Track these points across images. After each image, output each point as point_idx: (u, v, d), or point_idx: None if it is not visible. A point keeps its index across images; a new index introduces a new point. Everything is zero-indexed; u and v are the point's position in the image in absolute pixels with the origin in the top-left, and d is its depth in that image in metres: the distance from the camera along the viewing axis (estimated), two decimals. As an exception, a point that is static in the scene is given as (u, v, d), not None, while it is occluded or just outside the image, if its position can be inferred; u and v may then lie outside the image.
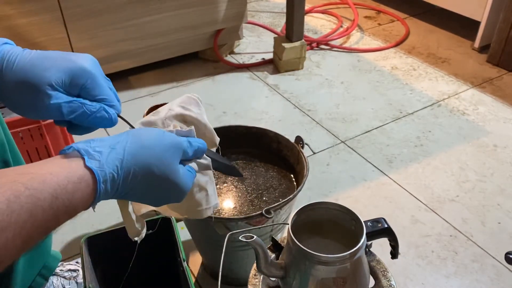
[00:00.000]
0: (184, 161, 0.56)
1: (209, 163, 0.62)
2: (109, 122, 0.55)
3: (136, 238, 0.62)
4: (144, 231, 0.64)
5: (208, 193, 0.64)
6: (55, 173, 0.44)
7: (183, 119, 0.64)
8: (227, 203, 0.95)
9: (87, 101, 0.53)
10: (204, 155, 0.60)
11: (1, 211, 0.38)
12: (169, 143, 0.52)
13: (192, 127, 0.60)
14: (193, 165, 0.58)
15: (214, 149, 0.69)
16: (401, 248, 0.81)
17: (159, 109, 0.65)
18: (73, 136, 1.37)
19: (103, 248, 0.85)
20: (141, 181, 0.49)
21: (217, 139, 0.70)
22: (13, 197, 0.40)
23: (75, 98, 0.53)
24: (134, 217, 0.61)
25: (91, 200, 0.47)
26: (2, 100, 0.53)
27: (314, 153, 1.41)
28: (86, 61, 0.54)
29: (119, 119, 0.57)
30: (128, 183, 0.48)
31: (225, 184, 0.99)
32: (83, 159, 0.46)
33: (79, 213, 0.46)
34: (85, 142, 0.48)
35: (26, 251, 0.43)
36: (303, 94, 1.69)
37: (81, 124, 0.55)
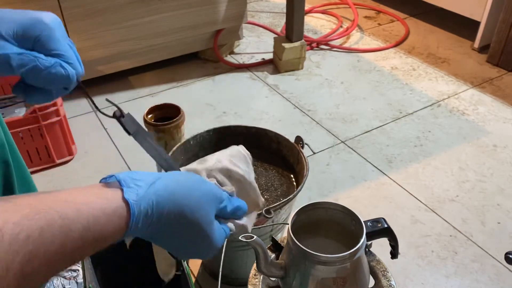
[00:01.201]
0: (220, 218, 0.53)
1: (247, 226, 0.57)
2: (66, 80, 0.50)
3: (165, 279, 0.61)
4: (173, 271, 0.62)
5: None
6: (91, 202, 0.42)
7: (229, 174, 0.61)
8: (227, 203, 0.95)
9: (41, 55, 0.48)
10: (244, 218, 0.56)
11: (33, 239, 0.36)
12: (208, 191, 0.50)
13: (233, 188, 0.57)
14: (230, 225, 0.54)
15: (256, 213, 0.63)
16: (401, 248, 0.81)
17: (207, 157, 0.62)
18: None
19: (103, 248, 0.85)
20: (173, 222, 0.47)
21: (262, 201, 0.66)
22: (47, 226, 0.37)
23: (27, 51, 0.48)
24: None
25: (121, 234, 0.44)
26: None
27: (314, 153, 1.41)
28: (45, 15, 0.49)
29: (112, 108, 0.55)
30: (161, 222, 0.46)
31: (225, 184, 0.99)
32: (122, 190, 0.44)
33: (107, 245, 0.44)
34: (128, 173, 0.46)
35: (49, 280, 0.41)
36: (303, 94, 1.69)
37: (35, 83, 0.49)
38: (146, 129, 0.89)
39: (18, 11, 0.48)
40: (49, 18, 0.49)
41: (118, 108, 0.56)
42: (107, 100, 0.55)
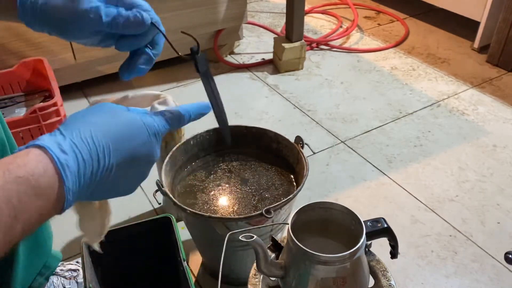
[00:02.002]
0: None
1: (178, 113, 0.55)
2: (142, 26, 0.55)
3: (94, 244, 0.59)
4: (103, 235, 0.60)
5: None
6: (4, 159, 0.42)
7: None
8: (227, 203, 0.95)
9: (123, 8, 0.55)
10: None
11: None
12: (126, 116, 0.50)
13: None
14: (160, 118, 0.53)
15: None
16: (400, 248, 0.81)
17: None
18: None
19: (103, 248, 0.85)
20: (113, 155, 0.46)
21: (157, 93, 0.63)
22: None
23: (112, 5, 0.54)
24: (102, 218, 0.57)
25: (57, 173, 0.42)
26: (41, 25, 0.55)
27: (314, 153, 1.41)
28: None
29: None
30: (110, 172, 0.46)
31: (226, 184, 0.99)
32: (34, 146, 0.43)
33: (52, 191, 0.42)
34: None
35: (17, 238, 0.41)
36: (303, 94, 1.69)
37: (119, 31, 0.55)
38: None
39: None
40: None
41: (197, 42, 0.58)
42: (182, 32, 0.60)
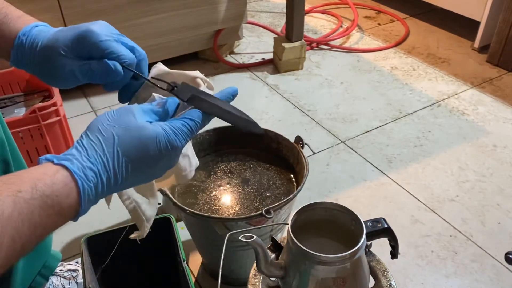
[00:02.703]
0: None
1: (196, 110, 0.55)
2: (114, 74, 0.55)
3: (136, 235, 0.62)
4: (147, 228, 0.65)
5: (190, 156, 0.63)
6: (32, 172, 0.45)
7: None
8: (227, 203, 0.95)
9: (93, 61, 0.55)
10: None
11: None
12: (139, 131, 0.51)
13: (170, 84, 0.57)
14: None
15: (201, 85, 0.62)
16: (401, 248, 0.81)
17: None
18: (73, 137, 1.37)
19: (103, 248, 0.85)
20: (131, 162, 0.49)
21: (194, 74, 0.64)
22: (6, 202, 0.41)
23: (85, 61, 0.55)
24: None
25: (76, 190, 0.46)
26: (35, 74, 0.59)
27: (314, 153, 1.41)
28: (92, 24, 0.56)
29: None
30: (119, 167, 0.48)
31: (227, 185, 0.99)
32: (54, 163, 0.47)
33: (70, 211, 0.46)
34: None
35: (23, 254, 0.44)
36: (303, 94, 1.69)
37: (99, 82, 0.57)
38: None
39: (70, 27, 0.56)
40: (96, 25, 0.56)
41: (168, 83, 0.57)
42: (152, 78, 0.59)
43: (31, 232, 0.43)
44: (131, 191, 0.60)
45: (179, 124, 0.52)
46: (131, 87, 0.61)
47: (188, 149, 0.63)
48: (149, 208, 0.64)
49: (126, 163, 0.48)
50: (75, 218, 0.48)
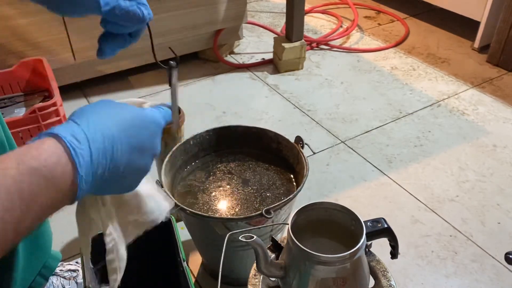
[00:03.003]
0: None
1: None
2: (140, 20, 0.57)
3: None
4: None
5: (155, 197, 0.61)
6: (18, 149, 0.42)
7: None
8: (227, 203, 0.95)
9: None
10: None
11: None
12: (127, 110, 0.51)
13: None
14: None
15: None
16: (400, 248, 0.81)
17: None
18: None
19: (103, 248, 0.85)
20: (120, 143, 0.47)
21: (141, 100, 0.65)
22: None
23: None
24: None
25: (70, 163, 0.43)
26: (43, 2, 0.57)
27: (314, 153, 1.41)
28: None
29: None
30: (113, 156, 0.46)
31: (227, 185, 0.99)
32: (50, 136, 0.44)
33: (65, 180, 0.42)
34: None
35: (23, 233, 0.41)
36: (303, 94, 1.69)
37: (115, 20, 0.56)
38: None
39: None
40: None
41: (176, 56, 0.62)
42: (170, 48, 0.62)
43: (24, 211, 0.39)
44: (114, 227, 0.57)
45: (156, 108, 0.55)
46: (124, 42, 0.61)
47: (154, 189, 0.61)
48: (124, 255, 0.60)
49: (117, 128, 0.47)
50: (77, 192, 0.44)
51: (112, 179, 0.48)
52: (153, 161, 0.53)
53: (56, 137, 0.43)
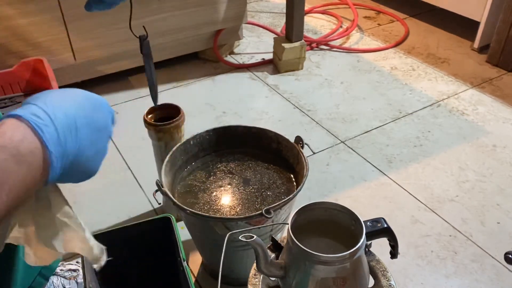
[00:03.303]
0: None
1: None
2: None
3: (95, 266, 0.56)
4: (105, 257, 0.57)
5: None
6: None
7: None
8: (227, 203, 0.95)
9: None
10: None
11: None
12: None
13: None
14: None
15: None
16: (400, 248, 0.81)
17: None
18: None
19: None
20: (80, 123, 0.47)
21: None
22: None
23: None
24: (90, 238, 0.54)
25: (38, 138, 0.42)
26: None
27: (314, 153, 1.41)
28: None
29: None
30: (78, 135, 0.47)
31: (227, 185, 0.99)
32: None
33: (34, 155, 0.41)
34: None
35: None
36: (303, 94, 1.69)
37: None
38: (147, 129, 0.95)
39: None
40: None
41: (146, 33, 0.86)
42: (143, 26, 0.83)
43: None
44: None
45: None
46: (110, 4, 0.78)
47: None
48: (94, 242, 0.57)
49: (74, 107, 0.47)
50: (49, 170, 0.43)
51: (79, 160, 0.48)
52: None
53: (17, 117, 0.42)
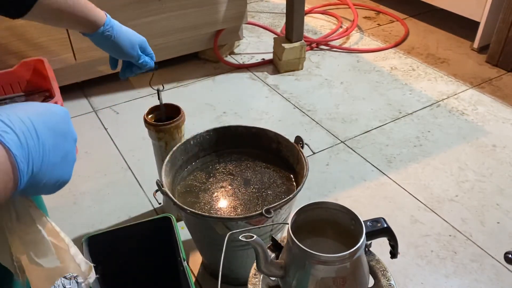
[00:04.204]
0: None
1: None
2: (150, 67, 0.99)
3: (84, 283, 0.55)
4: (92, 275, 0.57)
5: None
6: None
7: None
8: (227, 203, 0.95)
9: (144, 55, 0.97)
10: None
11: None
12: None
13: None
14: None
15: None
16: (400, 248, 0.81)
17: None
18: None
19: (103, 248, 0.85)
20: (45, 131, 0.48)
21: None
22: None
23: (142, 54, 0.96)
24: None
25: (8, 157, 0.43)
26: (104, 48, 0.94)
27: (314, 153, 1.42)
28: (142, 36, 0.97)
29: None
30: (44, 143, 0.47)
31: (227, 185, 0.99)
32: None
33: (3, 167, 0.42)
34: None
35: None
36: (303, 94, 1.69)
37: (141, 66, 0.97)
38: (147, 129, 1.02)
39: (132, 32, 0.97)
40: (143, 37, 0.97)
41: (163, 86, 1.11)
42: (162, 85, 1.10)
43: None
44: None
45: None
46: (134, 68, 0.99)
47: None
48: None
49: (32, 114, 0.47)
50: (18, 174, 0.44)
51: (47, 165, 0.48)
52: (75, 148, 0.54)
53: None
